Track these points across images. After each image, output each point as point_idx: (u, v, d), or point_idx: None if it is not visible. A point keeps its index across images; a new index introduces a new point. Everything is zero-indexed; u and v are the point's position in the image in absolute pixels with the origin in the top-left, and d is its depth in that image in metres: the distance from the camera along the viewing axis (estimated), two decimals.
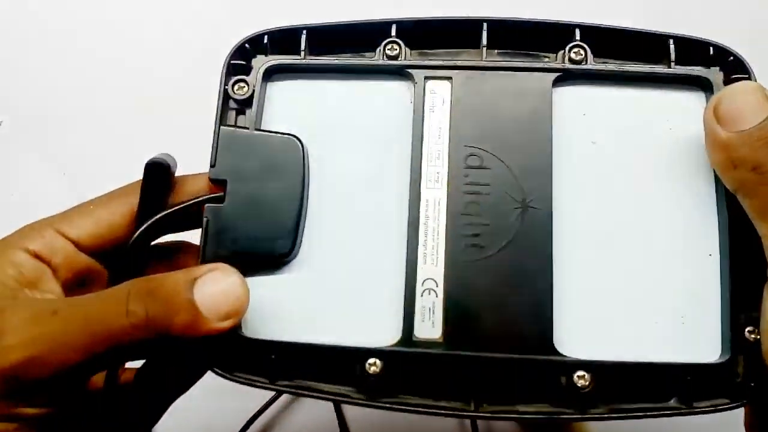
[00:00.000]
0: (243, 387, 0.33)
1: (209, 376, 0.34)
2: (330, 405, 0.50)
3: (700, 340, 0.33)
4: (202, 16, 0.62)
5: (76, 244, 0.35)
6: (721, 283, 0.33)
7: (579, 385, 0.31)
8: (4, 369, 0.29)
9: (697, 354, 0.32)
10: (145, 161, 0.35)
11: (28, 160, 0.58)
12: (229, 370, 0.33)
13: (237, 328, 0.32)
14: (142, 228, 0.34)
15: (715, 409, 0.31)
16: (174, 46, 0.60)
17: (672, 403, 0.32)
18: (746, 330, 0.32)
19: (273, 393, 0.50)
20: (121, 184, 0.40)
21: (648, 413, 0.32)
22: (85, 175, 0.56)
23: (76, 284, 0.35)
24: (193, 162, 0.38)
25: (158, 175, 0.35)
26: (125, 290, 0.31)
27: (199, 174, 0.37)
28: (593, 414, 0.32)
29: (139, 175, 0.36)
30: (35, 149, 0.58)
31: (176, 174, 0.36)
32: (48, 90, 0.59)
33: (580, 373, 0.32)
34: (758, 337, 0.31)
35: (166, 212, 0.34)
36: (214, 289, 0.31)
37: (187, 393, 0.37)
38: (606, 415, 0.32)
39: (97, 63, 0.59)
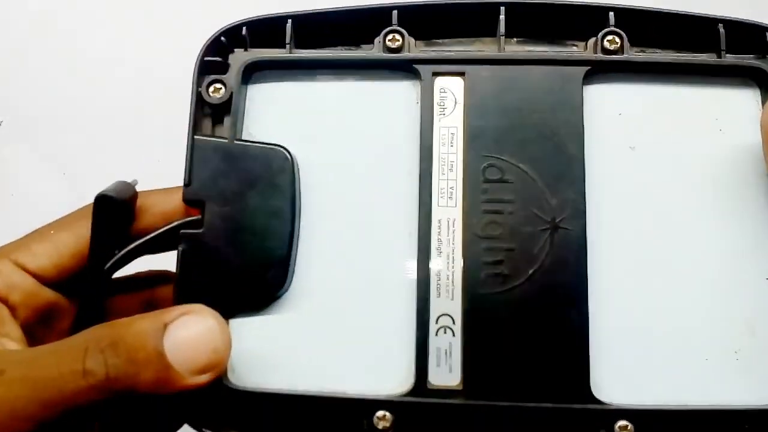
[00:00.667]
0: None
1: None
2: None
3: (758, 380, 0.28)
4: (202, 15, 0.59)
5: (37, 277, 0.30)
6: None
7: None
8: None
9: (756, 396, 0.28)
10: (96, 194, 0.30)
11: (28, 160, 0.59)
12: (213, 427, 0.27)
13: (221, 379, 0.27)
14: (100, 271, 0.29)
15: None
16: (174, 45, 0.56)
17: None
18: None
19: None
20: None
21: None
22: (85, 175, 0.52)
23: (38, 323, 0.30)
24: None
25: (110, 209, 0.29)
26: (82, 343, 0.26)
27: (171, 189, 0.31)
28: None
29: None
30: (35, 149, 0.58)
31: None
32: (48, 90, 0.58)
33: (623, 423, 0.27)
34: None
35: (127, 249, 0.29)
36: (188, 336, 0.26)
37: None
38: None
39: (97, 63, 0.58)
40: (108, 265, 0.29)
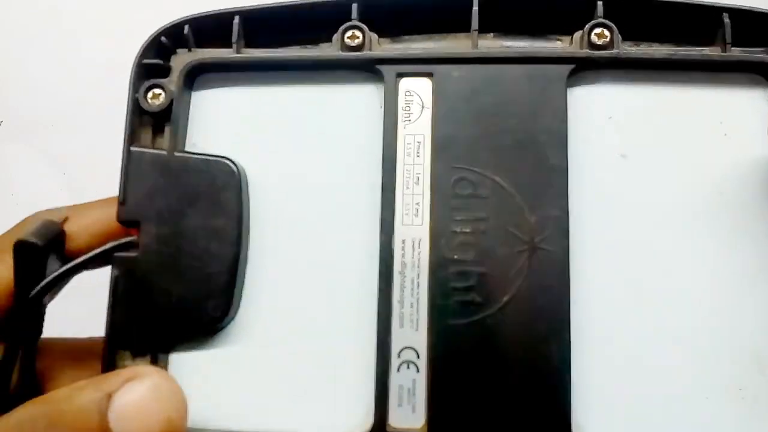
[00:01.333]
0: None
1: None
2: None
3: (765, 421, 0.24)
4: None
5: None
6: None
7: None
8: None
9: None
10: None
11: (28, 160, 0.57)
12: None
13: None
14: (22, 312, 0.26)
15: None
16: None
17: None
18: None
19: None
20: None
21: None
22: (85, 176, 0.53)
23: None
24: None
25: (31, 255, 0.25)
26: (15, 427, 0.22)
27: (94, 203, 0.28)
28: None
29: None
30: (35, 149, 0.57)
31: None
32: (48, 90, 0.56)
33: None
34: None
35: (54, 275, 0.25)
36: (137, 407, 0.22)
37: None
38: None
39: (97, 63, 0.56)
40: (33, 293, 0.25)
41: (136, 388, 0.23)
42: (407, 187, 0.26)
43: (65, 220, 0.28)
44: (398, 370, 0.25)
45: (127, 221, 0.26)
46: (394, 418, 0.25)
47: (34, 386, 0.27)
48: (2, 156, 0.56)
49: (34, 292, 0.26)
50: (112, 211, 0.27)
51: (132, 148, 0.26)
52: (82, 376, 0.28)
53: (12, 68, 0.58)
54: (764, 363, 0.24)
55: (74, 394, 0.23)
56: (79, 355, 0.29)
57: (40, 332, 0.27)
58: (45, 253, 0.25)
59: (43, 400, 0.23)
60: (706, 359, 0.25)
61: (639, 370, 0.25)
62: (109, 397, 0.22)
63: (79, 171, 0.56)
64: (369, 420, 0.25)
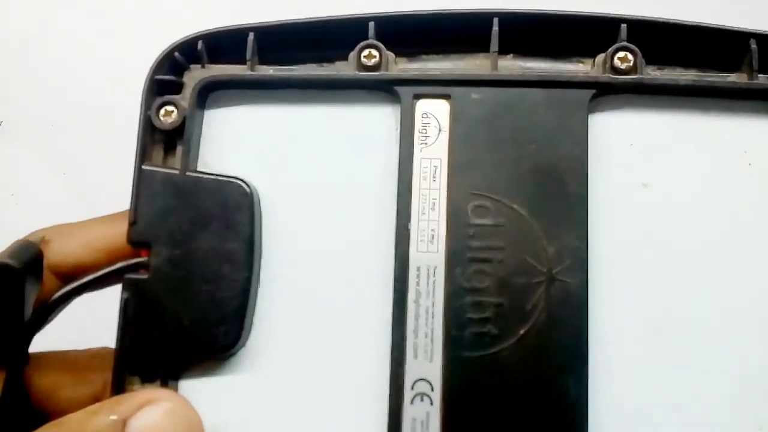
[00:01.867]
0: None
1: None
2: None
3: None
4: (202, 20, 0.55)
5: None
6: None
7: None
8: None
9: None
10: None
11: (27, 160, 0.56)
12: None
13: None
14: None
15: None
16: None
17: None
18: None
19: None
20: (120, 184, 0.32)
21: None
22: (85, 176, 0.54)
23: None
24: None
25: (8, 278, 0.25)
26: None
27: (75, 225, 0.28)
28: None
29: None
30: (35, 149, 0.56)
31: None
32: (48, 90, 0.56)
33: None
34: None
35: (48, 305, 0.25)
36: (153, 430, 0.22)
37: None
38: None
39: (97, 63, 0.56)
40: (32, 318, 0.25)
41: (151, 412, 0.22)
42: (423, 213, 0.25)
43: (43, 241, 0.27)
44: (411, 402, 0.24)
45: (138, 242, 0.25)
46: None
47: (23, 408, 0.27)
48: (2, 156, 0.56)
49: (30, 316, 0.25)
50: (106, 231, 0.27)
51: (144, 167, 0.26)
52: (82, 393, 0.27)
53: (12, 68, 0.57)
54: None
55: (88, 418, 0.22)
56: (77, 370, 0.28)
57: (27, 358, 0.26)
58: (22, 276, 0.25)
59: (57, 424, 0.23)
60: (725, 397, 0.24)
61: (658, 408, 0.24)
62: (124, 422, 0.22)
63: (80, 171, 0.55)
64: None
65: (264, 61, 0.27)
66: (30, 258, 0.25)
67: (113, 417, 0.22)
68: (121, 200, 0.33)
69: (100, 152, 0.54)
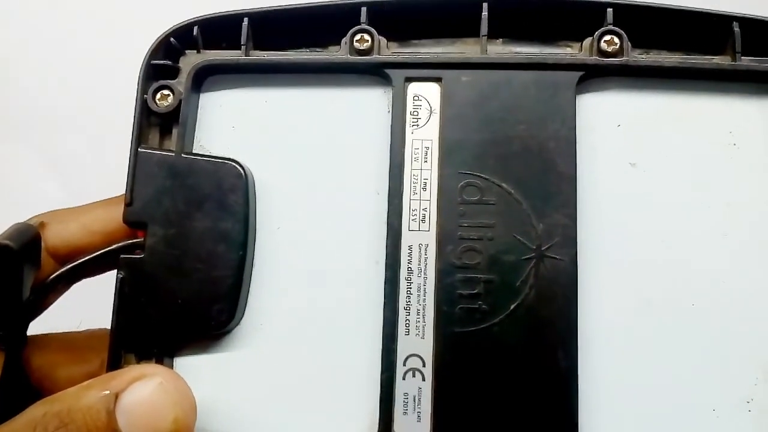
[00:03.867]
0: None
1: None
2: None
3: None
4: (197, 6, 0.55)
5: None
6: None
7: None
8: None
9: None
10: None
11: (24, 160, 0.56)
12: None
13: None
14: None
15: None
16: None
17: None
18: None
19: None
20: (116, 184, 0.31)
21: None
22: (81, 175, 0.53)
23: None
24: None
25: (7, 259, 0.24)
26: (28, 426, 0.22)
27: (73, 210, 0.27)
28: None
29: None
30: (34, 149, 0.56)
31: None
32: (47, 90, 0.55)
33: None
34: None
35: (46, 283, 0.25)
36: (145, 406, 0.22)
37: None
38: None
39: (95, 63, 0.54)
40: (31, 297, 0.24)
41: (143, 387, 0.22)
42: (414, 193, 0.25)
43: (41, 224, 0.27)
44: (404, 378, 0.24)
45: (134, 222, 0.25)
46: (399, 427, 0.24)
47: (22, 387, 0.27)
48: (0, 156, 0.55)
49: (29, 297, 0.25)
50: (102, 214, 0.26)
51: (140, 149, 0.25)
52: (80, 372, 0.27)
53: (11, 68, 0.56)
54: None
55: (82, 393, 0.22)
56: (75, 349, 0.28)
57: (25, 338, 0.26)
58: (20, 257, 0.24)
59: (52, 399, 0.22)
60: (714, 370, 0.24)
61: (647, 380, 0.24)
62: (117, 396, 0.22)
63: (76, 171, 0.55)
64: (374, 429, 0.24)
65: (258, 46, 0.27)
66: (28, 240, 0.25)
67: (106, 392, 0.22)
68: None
69: (97, 152, 0.54)
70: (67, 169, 0.55)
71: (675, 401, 0.23)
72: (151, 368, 0.23)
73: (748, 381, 0.24)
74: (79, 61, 0.55)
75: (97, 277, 0.28)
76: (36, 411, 0.22)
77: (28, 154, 0.55)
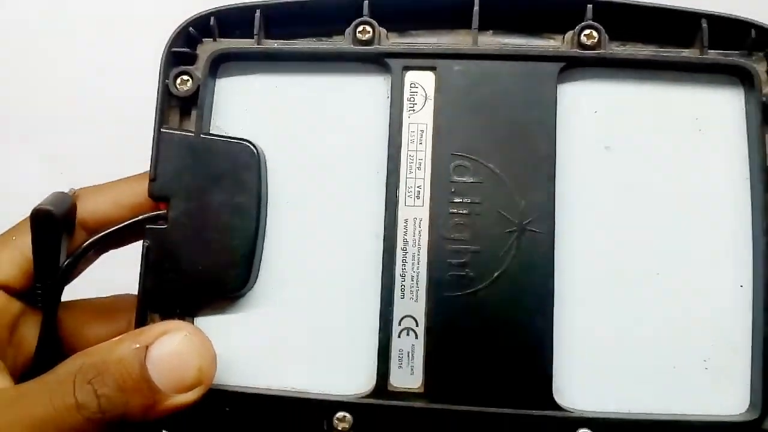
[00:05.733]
0: None
1: None
2: None
3: (725, 390, 0.26)
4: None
5: (6, 288, 0.28)
6: (754, 321, 0.25)
7: None
8: None
9: (721, 407, 0.26)
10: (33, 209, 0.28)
11: (25, 160, 0.55)
12: (174, 428, 0.26)
13: None
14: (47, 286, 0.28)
15: None
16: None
17: None
18: None
19: None
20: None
21: None
22: (83, 176, 0.47)
23: (10, 333, 0.28)
24: None
25: (48, 224, 0.27)
26: (69, 376, 0.24)
27: (118, 182, 0.29)
28: None
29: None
30: (33, 149, 0.55)
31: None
32: (46, 90, 0.55)
33: (584, 431, 0.25)
34: None
35: (90, 241, 0.27)
36: (171, 357, 0.24)
37: None
38: None
39: (95, 64, 0.54)
40: (68, 260, 0.27)
41: (170, 340, 0.24)
42: (410, 172, 0.27)
43: (75, 196, 0.29)
44: (399, 336, 0.26)
45: (158, 196, 0.27)
46: (394, 379, 0.26)
47: (57, 344, 0.29)
48: (0, 155, 0.55)
49: (67, 261, 0.27)
50: (130, 189, 0.29)
51: (162, 130, 0.27)
52: (108, 330, 0.29)
53: (11, 68, 0.56)
54: (727, 336, 0.26)
55: (115, 346, 0.24)
56: (103, 311, 0.31)
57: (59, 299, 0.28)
58: (59, 223, 0.27)
59: (88, 353, 0.25)
60: (675, 333, 0.26)
61: (614, 339, 0.26)
62: (146, 349, 0.24)
63: (77, 171, 0.49)
64: (372, 380, 0.26)
65: (269, 36, 0.28)
66: (67, 208, 0.27)
67: (136, 345, 0.24)
68: None
69: (98, 152, 0.53)
70: (68, 168, 0.53)
71: (639, 359, 0.26)
72: (175, 324, 0.25)
73: (706, 343, 0.26)
74: (79, 62, 0.55)
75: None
76: (74, 363, 0.24)
77: (29, 154, 0.55)
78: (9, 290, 0.28)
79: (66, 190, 0.30)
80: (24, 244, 0.28)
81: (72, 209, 0.28)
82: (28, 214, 0.28)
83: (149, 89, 0.50)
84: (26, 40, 0.55)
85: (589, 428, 0.25)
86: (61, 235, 0.27)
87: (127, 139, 0.49)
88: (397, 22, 0.28)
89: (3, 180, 0.55)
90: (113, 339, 0.25)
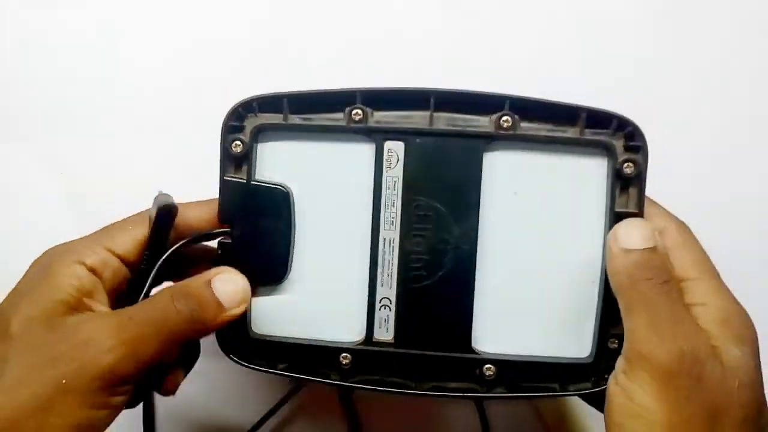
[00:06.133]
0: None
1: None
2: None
3: (578, 343, 0.42)
4: (196, 26, 0.58)
5: (121, 259, 0.39)
6: (598, 304, 0.42)
7: (486, 374, 0.42)
8: (103, 369, 0.34)
9: (575, 353, 0.42)
10: (156, 202, 0.39)
11: (25, 160, 0.54)
12: (242, 358, 0.43)
13: (247, 329, 0.42)
14: (171, 250, 0.42)
15: (582, 393, 0.42)
16: (170, 51, 0.57)
17: (554, 385, 0.43)
18: (609, 341, 0.41)
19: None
20: (116, 184, 0.48)
21: (536, 394, 0.43)
22: (83, 176, 0.56)
23: (116, 293, 0.39)
24: (188, 161, 0.46)
25: (168, 216, 0.40)
26: (167, 296, 0.36)
27: (198, 203, 0.43)
28: (495, 393, 0.43)
29: (135, 177, 0.45)
30: (33, 149, 0.54)
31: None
32: (46, 90, 0.56)
33: (488, 365, 0.42)
34: (617, 347, 0.41)
35: (185, 240, 0.42)
36: (226, 285, 0.38)
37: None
38: (505, 395, 0.43)
39: (95, 64, 0.57)
40: (177, 246, 0.41)
41: (223, 275, 0.39)
42: (387, 208, 0.42)
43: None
44: (380, 309, 0.43)
45: (225, 221, 0.42)
46: (377, 334, 0.43)
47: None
48: (0, 156, 0.55)
49: (180, 244, 0.41)
50: (207, 209, 0.43)
51: (224, 177, 0.42)
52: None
53: (11, 68, 0.56)
54: (582, 311, 0.42)
55: (192, 280, 0.38)
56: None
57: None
58: (173, 218, 0.40)
59: (174, 287, 0.38)
60: (551, 307, 0.42)
61: (512, 312, 0.42)
62: (209, 281, 0.38)
63: (77, 171, 0.56)
64: (363, 335, 0.43)
65: (293, 113, 0.42)
66: (176, 210, 0.40)
67: (205, 279, 0.38)
68: (118, 199, 0.45)
69: (98, 153, 0.55)
70: (68, 168, 0.56)
71: (528, 323, 0.42)
72: (225, 268, 0.39)
73: (569, 314, 0.43)
74: (79, 61, 0.56)
75: None
76: (168, 291, 0.37)
77: (29, 154, 0.54)
78: (123, 261, 0.39)
79: (157, 193, 0.41)
80: (136, 233, 0.40)
81: (176, 210, 0.40)
82: (28, 214, 0.37)
83: (150, 90, 0.56)
84: (26, 40, 0.56)
85: (491, 364, 0.43)
86: (171, 227, 0.40)
87: (125, 139, 0.55)
88: (380, 105, 0.42)
89: (3, 180, 0.53)
90: (189, 278, 0.38)
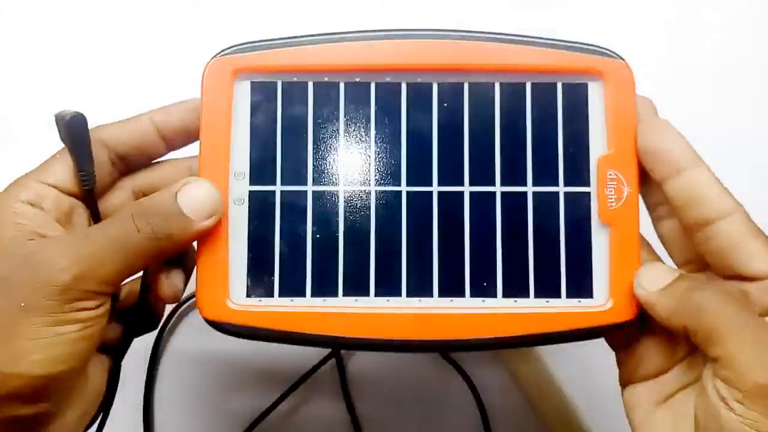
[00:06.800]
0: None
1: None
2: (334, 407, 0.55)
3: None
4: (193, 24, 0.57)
5: (58, 189, 0.36)
6: None
7: None
8: (58, 288, 0.32)
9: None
10: (59, 118, 0.36)
11: (25, 161, 0.52)
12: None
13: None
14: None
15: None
16: (171, 49, 0.57)
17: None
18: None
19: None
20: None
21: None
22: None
23: (66, 223, 0.36)
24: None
25: (80, 123, 0.36)
26: (127, 214, 0.33)
27: (178, 159, 0.40)
28: None
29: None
30: (33, 150, 0.51)
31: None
32: (46, 90, 0.55)
33: None
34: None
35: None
36: (193, 195, 0.34)
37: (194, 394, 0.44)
38: None
39: (94, 65, 0.56)
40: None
41: (190, 185, 0.34)
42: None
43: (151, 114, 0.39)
44: None
45: None
46: None
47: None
48: (1, 156, 0.53)
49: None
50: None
51: None
52: None
53: (10, 68, 0.56)
54: None
55: (155, 195, 0.34)
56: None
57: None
58: (85, 126, 0.36)
59: (137, 202, 0.34)
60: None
61: None
62: (175, 194, 0.34)
63: None
64: None
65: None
66: (80, 114, 0.36)
67: (169, 192, 0.34)
68: None
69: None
70: None
71: None
72: (193, 177, 0.35)
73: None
74: (80, 61, 0.56)
75: None
76: (129, 208, 0.34)
77: (29, 155, 0.50)
78: (61, 190, 0.36)
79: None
80: (67, 159, 0.36)
81: (83, 116, 0.36)
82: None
83: (149, 90, 0.52)
84: (26, 40, 0.56)
85: None
86: (87, 132, 0.36)
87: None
88: None
89: (3, 180, 0.56)
90: (152, 194, 0.34)
